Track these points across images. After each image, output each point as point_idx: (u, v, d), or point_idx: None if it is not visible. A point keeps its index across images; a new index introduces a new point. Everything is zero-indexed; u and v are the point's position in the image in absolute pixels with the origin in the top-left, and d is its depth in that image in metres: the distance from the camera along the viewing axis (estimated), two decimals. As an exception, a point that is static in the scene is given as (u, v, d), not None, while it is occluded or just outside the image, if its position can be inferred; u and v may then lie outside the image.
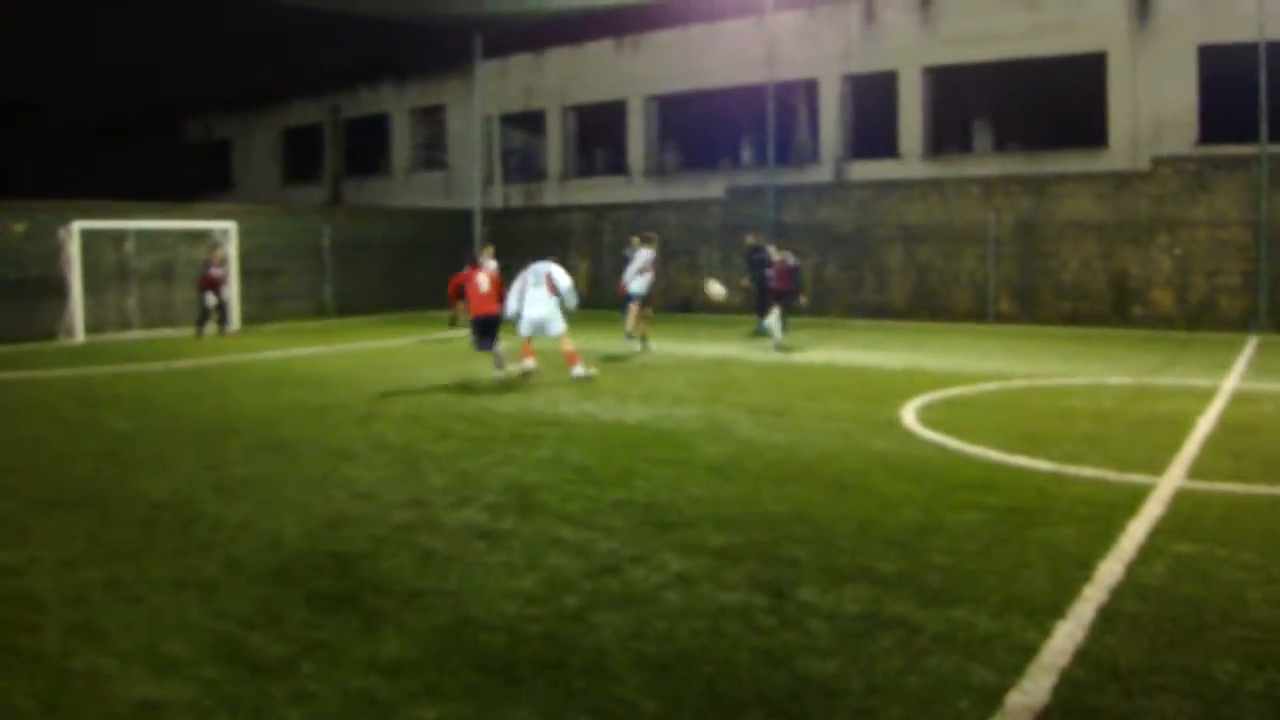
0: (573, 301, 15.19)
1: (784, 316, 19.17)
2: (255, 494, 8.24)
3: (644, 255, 19.17)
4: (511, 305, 15.03)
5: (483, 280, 14.90)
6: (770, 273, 19.56)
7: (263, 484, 8.58)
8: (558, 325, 15.06)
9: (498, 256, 16.41)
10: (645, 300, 18.99)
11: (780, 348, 18.60)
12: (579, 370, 14.78)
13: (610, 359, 17.27)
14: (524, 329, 15.04)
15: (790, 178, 28.06)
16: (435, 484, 8.43)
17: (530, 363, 14.82)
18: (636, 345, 18.56)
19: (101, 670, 4.85)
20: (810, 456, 9.35)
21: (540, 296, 14.96)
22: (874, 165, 27.18)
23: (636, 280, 18.98)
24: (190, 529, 7.26)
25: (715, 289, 19.37)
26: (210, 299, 22.83)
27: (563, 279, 15.18)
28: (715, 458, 9.34)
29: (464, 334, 16.01)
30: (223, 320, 23.36)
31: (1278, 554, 6.37)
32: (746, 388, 13.82)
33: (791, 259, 19.48)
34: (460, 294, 15.19)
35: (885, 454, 9.42)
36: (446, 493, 8.12)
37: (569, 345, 15.11)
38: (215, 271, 22.75)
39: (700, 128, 31.35)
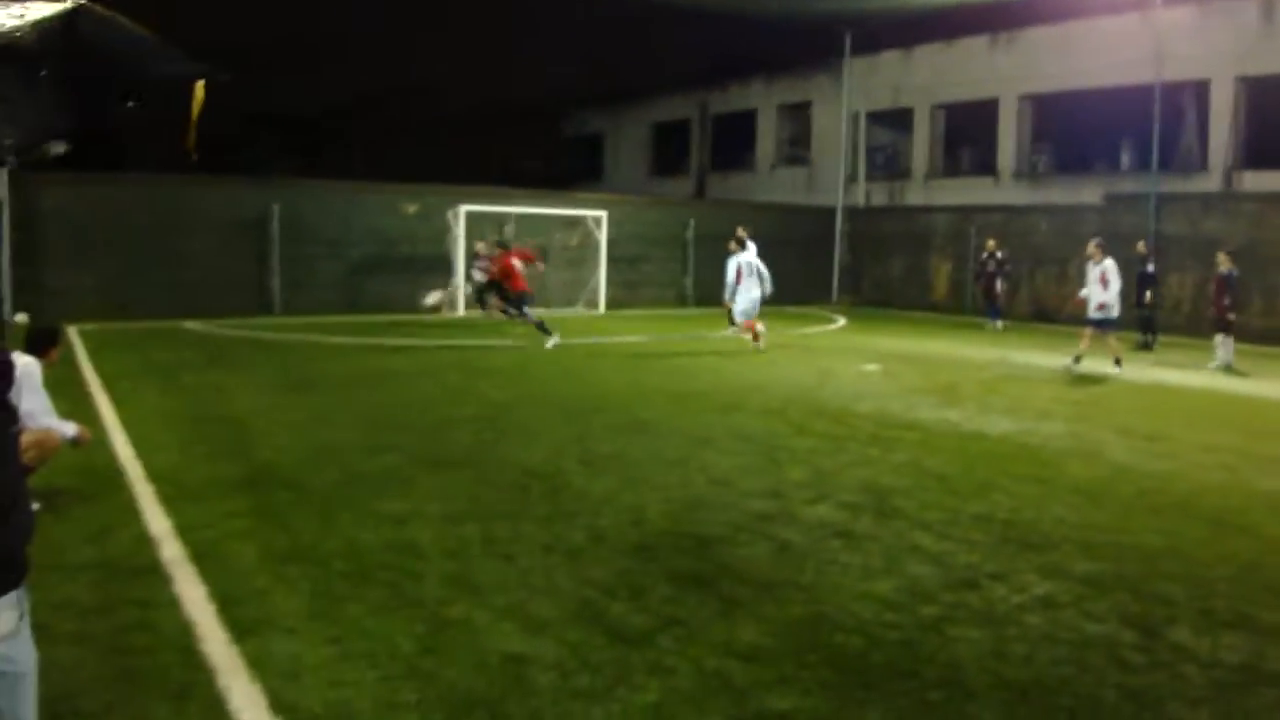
0: (769, 290, 17.87)
1: (1224, 333, 17.90)
2: (618, 470, 8.62)
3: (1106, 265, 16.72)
4: (730, 291, 17.87)
5: (518, 263, 18.36)
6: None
7: (625, 461, 8.95)
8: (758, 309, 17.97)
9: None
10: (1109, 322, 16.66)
11: (1225, 369, 17.55)
12: (761, 341, 17.86)
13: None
14: (740, 315, 17.99)
15: (1173, 185, 26.10)
16: (792, 478, 8.50)
17: (761, 339, 17.94)
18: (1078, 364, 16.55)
19: (475, 621, 5.22)
20: (1188, 488, 8.69)
21: (754, 284, 17.69)
22: (1269, 175, 24.81)
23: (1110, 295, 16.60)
24: (558, 497, 7.69)
25: (433, 298, 19.76)
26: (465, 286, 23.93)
27: (765, 269, 17.88)
28: (1083, 479, 8.86)
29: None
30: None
31: None
32: (1118, 408, 13.00)
33: (1225, 269, 18.09)
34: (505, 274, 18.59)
35: (1273, 494, 8.62)
36: (803, 487, 8.17)
37: (758, 324, 18.03)
38: (480, 262, 23.09)
39: (1076, 129, 29.69)
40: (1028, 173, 30.32)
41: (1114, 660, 5.02)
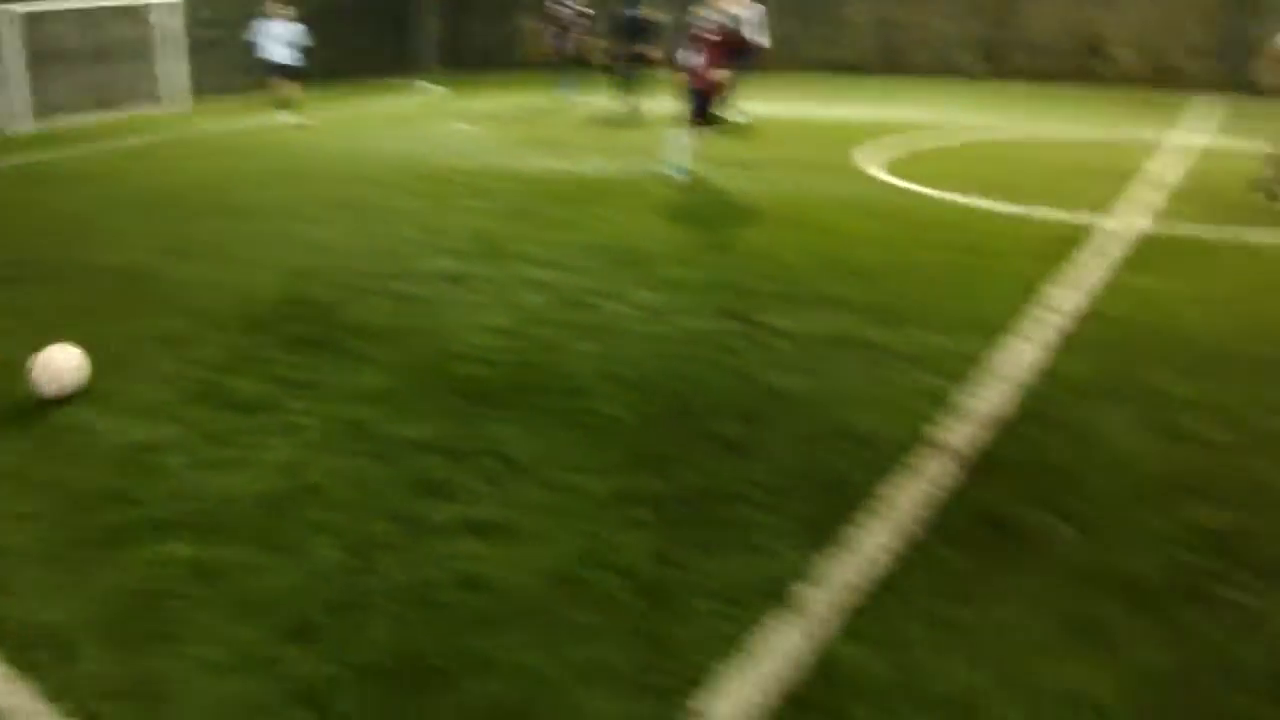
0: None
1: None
2: (216, 256, 8.07)
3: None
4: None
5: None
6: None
7: (222, 246, 8.41)
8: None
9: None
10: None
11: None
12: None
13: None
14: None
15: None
16: (403, 235, 8.50)
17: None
18: None
19: (93, 425, 4.84)
20: (777, 201, 9.48)
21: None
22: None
23: None
24: (156, 288, 7.16)
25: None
26: None
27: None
28: (670, 203, 9.44)
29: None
30: None
31: (1217, 282, 6.77)
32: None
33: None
34: None
35: (841, 198, 9.70)
36: (414, 244, 8.19)
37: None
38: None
39: None
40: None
41: (719, 347, 5.53)
